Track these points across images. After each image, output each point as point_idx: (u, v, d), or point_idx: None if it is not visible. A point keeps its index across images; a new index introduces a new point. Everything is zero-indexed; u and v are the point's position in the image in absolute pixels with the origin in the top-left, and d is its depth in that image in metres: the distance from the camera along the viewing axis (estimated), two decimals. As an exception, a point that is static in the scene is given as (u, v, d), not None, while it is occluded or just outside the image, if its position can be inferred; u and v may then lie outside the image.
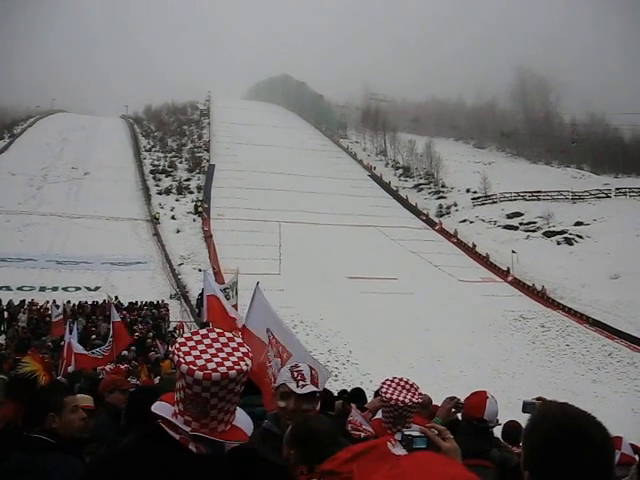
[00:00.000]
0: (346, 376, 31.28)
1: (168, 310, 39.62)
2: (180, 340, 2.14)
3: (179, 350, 2.08)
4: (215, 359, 2.05)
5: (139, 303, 39.93)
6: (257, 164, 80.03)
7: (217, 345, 2.12)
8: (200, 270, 46.35)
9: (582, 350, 41.45)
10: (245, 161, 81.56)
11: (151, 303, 40.26)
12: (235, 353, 2.10)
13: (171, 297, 44.78)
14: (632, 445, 4.38)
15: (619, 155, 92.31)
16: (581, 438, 1.69)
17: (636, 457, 4.14)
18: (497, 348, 39.48)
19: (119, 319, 14.16)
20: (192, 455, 2.06)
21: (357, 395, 6.72)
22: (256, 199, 68.84)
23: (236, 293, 16.18)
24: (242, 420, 2.22)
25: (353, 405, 6.49)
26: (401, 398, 3.71)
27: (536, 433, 1.79)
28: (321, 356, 35.82)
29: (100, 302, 37.28)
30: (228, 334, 2.18)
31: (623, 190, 73.66)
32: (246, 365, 2.07)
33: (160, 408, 2.15)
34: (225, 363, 2.03)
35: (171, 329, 36.05)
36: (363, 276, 49.95)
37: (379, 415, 4.27)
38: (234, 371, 2.02)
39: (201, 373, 1.99)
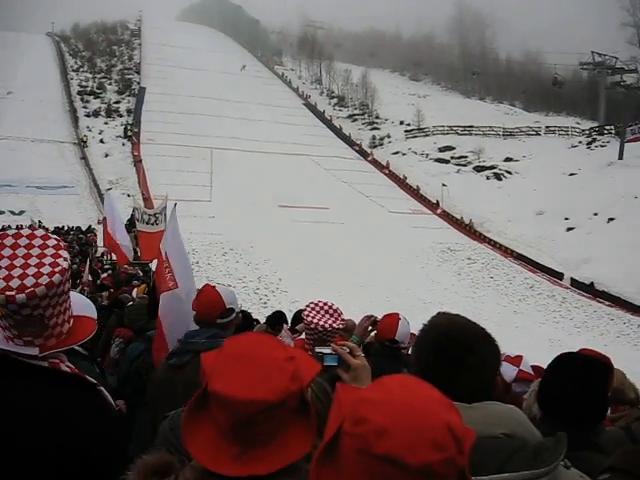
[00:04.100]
0: (275, 303, 31.45)
1: (96, 235, 38.93)
2: None
3: None
4: (29, 271, 1.72)
5: (65, 228, 39.16)
6: (189, 88, 78.16)
7: (21, 252, 1.77)
8: (129, 195, 45.61)
9: (505, 282, 42.70)
10: (177, 85, 79.55)
11: (78, 228, 39.58)
12: (46, 251, 1.78)
13: (99, 222, 43.90)
14: (535, 366, 4.55)
15: (551, 94, 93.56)
16: (464, 348, 1.75)
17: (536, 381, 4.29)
18: (424, 278, 40.30)
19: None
20: (65, 378, 1.84)
21: (277, 318, 6.77)
22: (188, 124, 67.53)
23: (165, 219, 15.98)
24: (80, 306, 1.98)
25: (285, 326, 6.53)
26: (322, 322, 3.69)
27: (423, 342, 1.83)
28: (251, 283, 36.06)
29: (25, 226, 36.40)
30: (26, 231, 1.83)
31: (552, 128, 74.83)
32: (64, 260, 1.78)
33: None
34: (42, 270, 1.72)
35: (98, 255, 35.50)
36: (294, 205, 50.01)
37: (304, 335, 4.29)
38: (57, 275, 1.74)
39: (23, 295, 1.68)
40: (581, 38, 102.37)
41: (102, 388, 1.95)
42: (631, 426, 3.42)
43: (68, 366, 1.86)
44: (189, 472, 1.49)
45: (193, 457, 1.48)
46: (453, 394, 1.65)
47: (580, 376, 2.42)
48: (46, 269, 1.74)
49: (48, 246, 1.79)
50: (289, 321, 7.11)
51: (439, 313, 1.94)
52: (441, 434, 1.06)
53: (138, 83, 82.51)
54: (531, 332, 32.38)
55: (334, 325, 3.72)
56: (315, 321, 3.70)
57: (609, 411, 3.63)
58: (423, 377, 1.52)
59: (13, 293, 1.68)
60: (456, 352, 1.74)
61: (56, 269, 1.75)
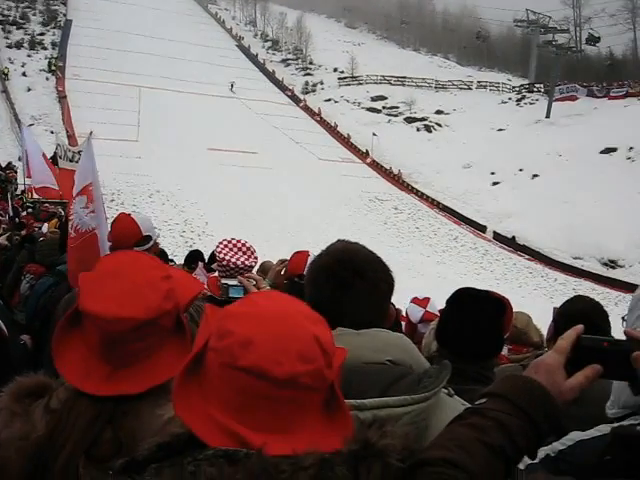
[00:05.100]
0: (200, 247, 30.99)
1: (15, 172, 37.70)
2: None
3: None
4: None
5: (-17, 163, 37.83)
6: (119, 23, 75.62)
7: None
8: (52, 132, 44.19)
9: (430, 233, 43.46)
10: (105, 19, 76.76)
11: (-3, 164, 38.29)
12: None
13: (19, 159, 42.47)
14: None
15: (484, 49, 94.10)
16: (354, 271, 1.71)
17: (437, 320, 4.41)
18: (351, 226, 40.45)
19: None
20: None
21: (194, 257, 6.73)
22: (116, 61, 65.49)
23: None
24: None
25: (200, 263, 6.48)
26: (233, 260, 3.63)
27: (316, 266, 1.81)
28: (177, 226, 35.72)
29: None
30: None
31: (484, 83, 75.64)
32: None
33: None
34: None
35: (18, 192, 34.44)
36: (223, 148, 49.40)
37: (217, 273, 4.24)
38: None
39: None
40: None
41: None
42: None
43: None
44: (62, 393, 1.47)
45: (63, 377, 1.44)
46: (342, 319, 1.64)
47: (475, 310, 2.43)
48: None
49: None
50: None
51: (338, 240, 1.92)
52: (308, 345, 1.05)
53: (64, 15, 79.43)
54: (453, 282, 32.90)
55: (246, 262, 3.67)
56: (227, 258, 3.64)
57: (506, 351, 3.74)
58: (314, 302, 1.50)
59: None
60: (346, 275, 1.70)
61: None
